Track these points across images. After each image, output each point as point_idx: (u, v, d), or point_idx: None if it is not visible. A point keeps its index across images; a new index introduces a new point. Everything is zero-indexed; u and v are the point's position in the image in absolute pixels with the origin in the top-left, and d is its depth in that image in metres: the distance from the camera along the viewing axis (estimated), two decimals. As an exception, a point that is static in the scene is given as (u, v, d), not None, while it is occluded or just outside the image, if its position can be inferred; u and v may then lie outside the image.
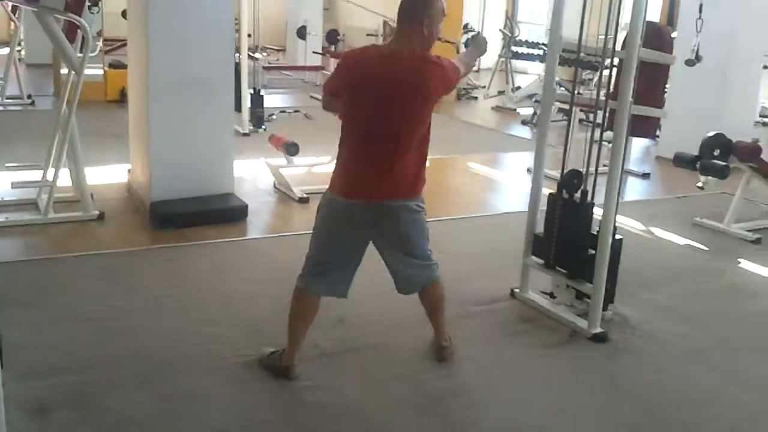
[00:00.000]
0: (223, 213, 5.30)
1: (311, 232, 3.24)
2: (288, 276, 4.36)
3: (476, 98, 12.68)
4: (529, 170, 5.66)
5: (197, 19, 5.11)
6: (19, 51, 13.12)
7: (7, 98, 9.46)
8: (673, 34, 8.35)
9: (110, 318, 3.74)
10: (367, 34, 14.34)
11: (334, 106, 3.16)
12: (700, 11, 3.99)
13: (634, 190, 7.12)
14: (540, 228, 4.11)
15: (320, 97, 3.28)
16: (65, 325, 3.63)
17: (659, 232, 5.64)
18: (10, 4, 8.30)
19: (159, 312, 3.85)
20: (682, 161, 5.63)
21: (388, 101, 2.99)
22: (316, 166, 6.52)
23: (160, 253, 4.71)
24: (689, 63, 4.35)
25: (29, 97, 9.52)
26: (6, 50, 9.90)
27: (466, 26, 14.69)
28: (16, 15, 10.25)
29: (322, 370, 3.36)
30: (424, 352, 3.54)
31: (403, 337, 3.69)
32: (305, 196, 5.90)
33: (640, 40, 3.51)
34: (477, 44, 3.57)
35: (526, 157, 7.41)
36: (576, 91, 4.20)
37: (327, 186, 3.19)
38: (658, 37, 3.85)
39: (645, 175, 7.45)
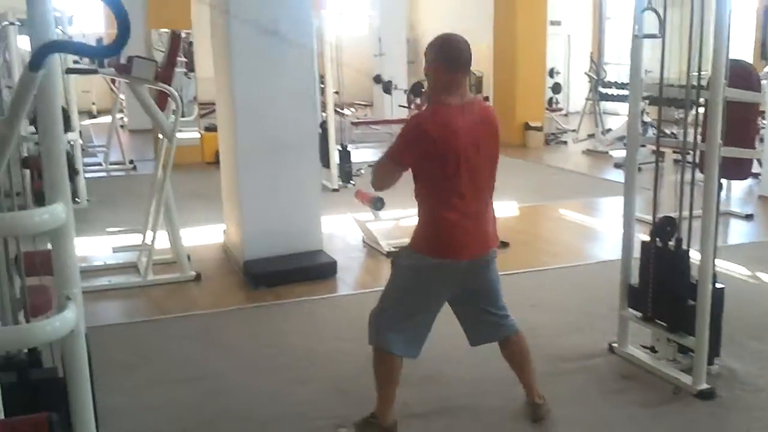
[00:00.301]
0: (313, 270, 5.37)
1: (388, 288, 3.19)
2: (377, 334, 4.38)
3: (565, 142, 12.50)
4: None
5: (280, 83, 5.27)
6: (122, 118, 13.94)
7: (110, 164, 9.97)
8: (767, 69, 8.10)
9: (206, 378, 3.82)
10: (452, 85, 14.43)
11: (392, 175, 3.08)
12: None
13: (738, 232, 6.79)
14: (635, 278, 3.96)
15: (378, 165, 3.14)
16: (163, 387, 3.72)
17: (767, 277, 5.33)
18: (110, 75, 8.80)
19: (253, 372, 3.90)
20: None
21: (479, 152, 2.99)
22: (404, 219, 6.53)
23: (254, 312, 4.79)
24: (782, 99, 4.15)
25: (131, 162, 10.01)
26: (110, 118, 10.47)
27: (551, 71, 14.63)
28: (116, 85, 10.88)
29: (412, 431, 3.30)
30: (518, 413, 3.43)
31: (495, 397, 3.59)
32: (393, 250, 5.90)
33: (724, 79, 3.38)
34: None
35: (620, 202, 7.18)
36: (670, 132, 4.07)
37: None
38: (744, 75, 3.70)
39: (748, 217, 7.09)
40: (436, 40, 3.09)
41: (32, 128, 5.67)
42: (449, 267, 3.05)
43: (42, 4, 1.89)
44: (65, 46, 1.89)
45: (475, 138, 2.97)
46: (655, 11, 3.63)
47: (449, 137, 2.93)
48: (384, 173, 3.11)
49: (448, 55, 3.01)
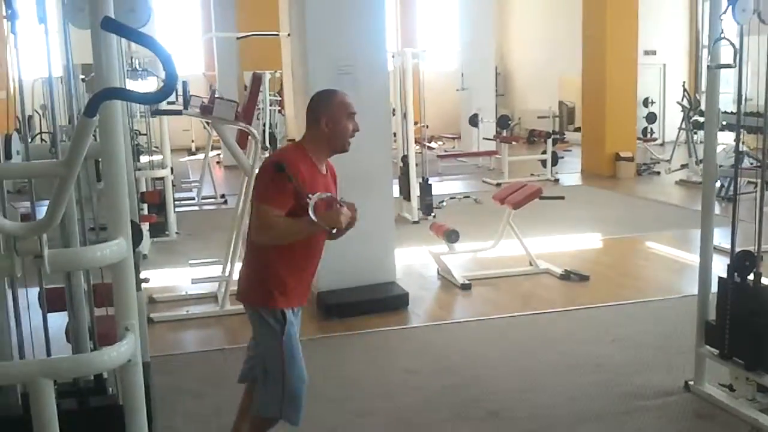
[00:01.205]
0: (385, 302, 5.40)
1: (275, 365, 2.98)
2: (444, 366, 4.37)
3: (658, 173, 12.11)
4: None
5: (358, 117, 5.33)
6: (219, 155, 14.52)
7: (202, 198, 10.38)
8: None
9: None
10: (538, 117, 14.35)
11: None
12: None
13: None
14: (714, 314, 3.79)
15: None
16: (229, 415, 3.79)
17: None
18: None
19: (318, 402, 3.91)
20: None
21: None
22: (480, 251, 6.49)
23: (325, 342, 4.85)
24: None
25: (222, 196, 10.38)
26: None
27: (646, 100, 14.29)
28: (210, 124, 11.34)
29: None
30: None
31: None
32: (467, 282, 5.88)
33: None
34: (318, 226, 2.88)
35: (715, 234, 6.90)
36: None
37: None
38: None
39: None
40: (329, 95, 3.09)
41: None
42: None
43: (106, 51, 2.03)
44: (117, 93, 2.02)
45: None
46: (729, 41, 3.52)
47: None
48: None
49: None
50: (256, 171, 5.32)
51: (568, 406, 3.77)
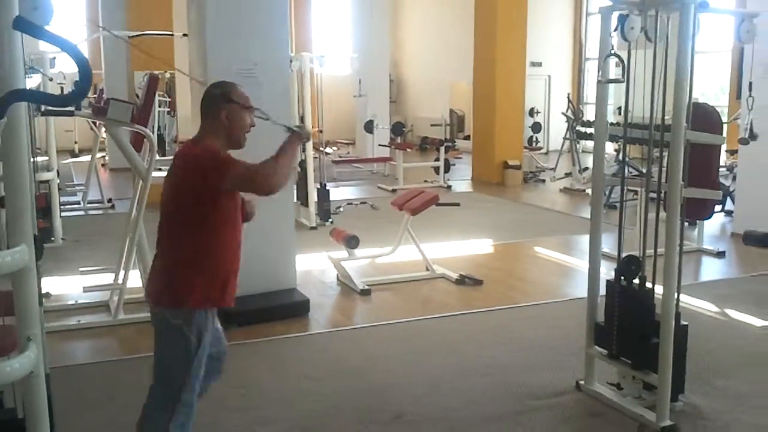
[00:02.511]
0: (286, 309, 5.37)
1: (172, 364, 2.89)
2: (346, 371, 4.40)
3: (544, 181, 12.63)
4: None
5: (259, 121, 5.29)
6: (104, 157, 13.97)
7: (89, 203, 9.96)
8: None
9: (171, 419, 3.78)
10: (432, 125, 14.67)
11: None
12: (750, 89, 3.93)
13: (709, 269, 6.86)
14: (602, 316, 4.00)
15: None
16: (126, 426, 3.68)
17: (735, 314, 5.39)
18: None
19: (220, 411, 3.88)
20: (752, 239, 5.37)
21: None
22: (379, 257, 6.56)
23: (224, 350, 4.77)
24: (743, 141, 4.26)
25: (109, 201, 10.01)
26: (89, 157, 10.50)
27: (531, 110, 14.87)
28: (97, 125, 10.91)
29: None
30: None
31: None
32: (367, 288, 5.94)
33: (685, 121, 3.47)
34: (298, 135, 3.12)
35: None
36: (644, 171, 4.14)
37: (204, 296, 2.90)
38: (705, 117, 3.80)
39: (720, 254, 7.18)
40: (228, 87, 3.04)
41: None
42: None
43: (10, 52, 1.94)
44: (27, 95, 1.95)
45: None
46: (619, 56, 3.73)
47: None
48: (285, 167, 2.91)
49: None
50: (155, 174, 5.24)
51: (468, 408, 3.88)
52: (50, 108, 5.85)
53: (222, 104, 2.94)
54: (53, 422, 2.25)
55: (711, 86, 14.94)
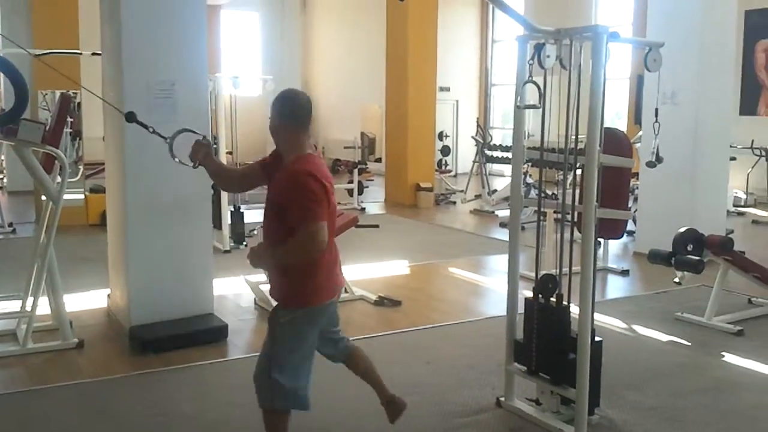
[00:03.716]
0: (203, 334, 5.26)
1: (278, 348, 3.22)
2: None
3: (455, 202, 12.90)
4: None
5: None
6: (1, 179, 13.34)
7: (-13, 227, 9.50)
8: (640, 134, 8.73)
9: (88, 451, 3.65)
10: (345, 147, 14.73)
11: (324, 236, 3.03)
12: (656, 115, 4.17)
13: (614, 287, 7.17)
14: (521, 333, 4.12)
15: (311, 233, 2.99)
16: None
17: (641, 330, 5.65)
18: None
19: (139, 441, 3.77)
20: (657, 258, 5.71)
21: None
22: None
23: (141, 379, 4.63)
24: (650, 165, 4.50)
25: (10, 225, 9.58)
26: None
27: (441, 134, 15.16)
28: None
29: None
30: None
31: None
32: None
33: (599, 145, 3.64)
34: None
35: (506, 259, 7.44)
36: (551, 192, 4.32)
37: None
38: (616, 142, 4.00)
39: (624, 272, 7.52)
40: (294, 95, 3.25)
41: None
42: (330, 307, 3.27)
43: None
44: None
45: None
46: (536, 84, 3.88)
47: (329, 186, 3.11)
48: (320, 239, 3.01)
49: (309, 110, 3.21)
50: (67, 196, 5.06)
51: (392, 428, 3.89)
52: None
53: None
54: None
55: (608, 112, 15.64)
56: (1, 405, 4.22)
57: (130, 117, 3.67)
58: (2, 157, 11.55)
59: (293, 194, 3.02)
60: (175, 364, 4.83)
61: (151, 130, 3.47)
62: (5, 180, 13.36)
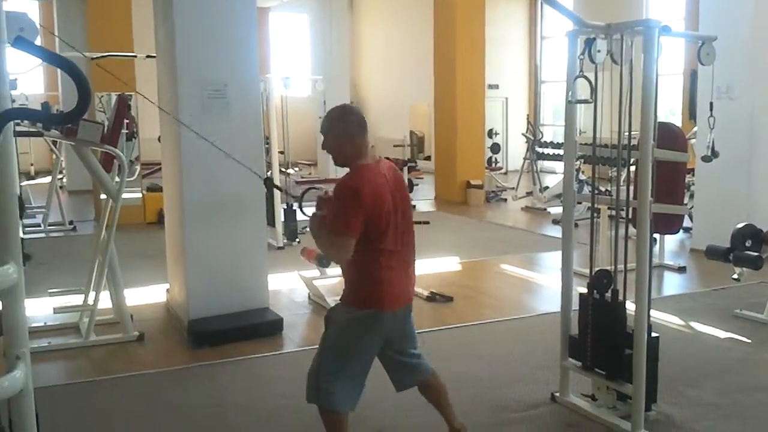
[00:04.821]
0: (259, 328, 5.36)
1: (327, 345, 3.26)
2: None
3: (505, 200, 12.82)
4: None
5: (227, 144, 5.30)
6: (61, 179, 13.75)
7: (49, 225, 9.80)
8: (695, 129, 8.55)
9: (149, 440, 3.76)
10: (395, 145, 14.77)
11: (346, 248, 3.04)
12: (711, 109, 4.09)
13: (671, 284, 7.05)
14: (575, 329, 4.09)
15: (333, 242, 3.06)
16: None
17: (699, 326, 5.55)
18: (52, 136, 8.75)
19: (197, 430, 3.86)
20: (714, 254, 5.60)
21: (406, 208, 3.24)
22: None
23: (199, 371, 4.75)
24: (705, 159, 4.41)
25: (71, 223, 9.86)
26: (49, 179, 10.34)
27: (490, 131, 15.08)
28: (57, 146, 10.77)
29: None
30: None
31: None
32: (339, 307, 5.95)
33: (653, 140, 3.60)
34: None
35: (558, 256, 7.40)
36: (605, 189, 4.28)
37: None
38: (670, 136, 3.94)
39: (681, 269, 7.38)
40: (338, 111, 3.25)
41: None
42: (393, 316, 3.20)
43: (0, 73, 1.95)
44: (24, 113, 1.95)
45: (394, 192, 3.16)
46: (587, 78, 3.85)
47: (380, 195, 3.08)
48: (338, 248, 3.08)
49: (356, 122, 3.19)
50: (125, 195, 5.22)
51: (441, 421, 3.91)
52: (20, 129, 5.78)
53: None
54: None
55: (661, 107, 15.39)
56: (66, 395, 4.37)
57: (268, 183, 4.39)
58: (62, 158, 11.88)
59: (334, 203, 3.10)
60: (231, 356, 4.94)
61: (283, 191, 3.50)
62: (65, 179, 13.76)
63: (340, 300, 3.31)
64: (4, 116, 1.86)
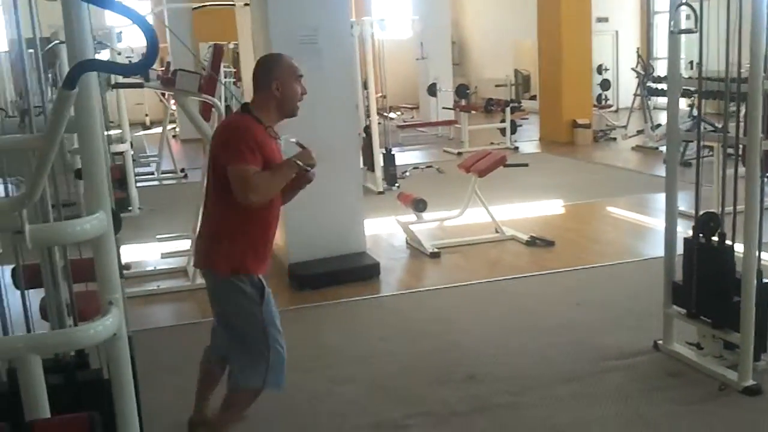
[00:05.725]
0: (357, 272, 5.43)
1: (252, 326, 3.02)
2: (417, 333, 4.43)
3: (615, 139, 12.32)
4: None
5: (321, 89, 5.25)
6: (174, 128, 14.27)
7: (162, 173, 10.22)
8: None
9: (250, 380, 3.89)
10: (496, 85, 14.43)
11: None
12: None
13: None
14: (680, 275, 3.90)
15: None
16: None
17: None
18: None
19: (296, 371, 3.92)
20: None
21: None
22: (447, 220, 6.54)
23: (298, 313, 4.87)
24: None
25: (182, 170, 10.24)
26: (161, 129, 10.75)
27: (599, 67, 14.45)
28: (166, 97, 11.13)
29: (453, 430, 3.32)
30: (557, 409, 3.42)
31: (535, 396, 3.58)
32: (436, 251, 5.94)
33: (763, 72, 3.31)
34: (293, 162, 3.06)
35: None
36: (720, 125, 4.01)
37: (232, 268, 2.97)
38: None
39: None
40: (276, 59, 3.10)
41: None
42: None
43: (79, 24, 1.98)
44: (97, 65, 1.97)
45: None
46: (691, 6, 3.59)
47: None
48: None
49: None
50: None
51: (543, 368, 3.86)
52: (120, 81, 5.99)
53: (273, 76, 3.00)
54: (137, 383, 2.33)
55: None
56: (174, 335, 4.60)
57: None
58: (174, 108, 12.30)
59: None
60: (329, 299, 5.03)
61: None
62: (178, 129, 14.28)
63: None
64: (78, 68, 1.89)
